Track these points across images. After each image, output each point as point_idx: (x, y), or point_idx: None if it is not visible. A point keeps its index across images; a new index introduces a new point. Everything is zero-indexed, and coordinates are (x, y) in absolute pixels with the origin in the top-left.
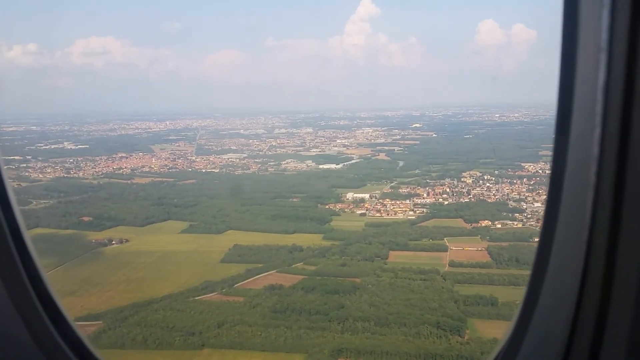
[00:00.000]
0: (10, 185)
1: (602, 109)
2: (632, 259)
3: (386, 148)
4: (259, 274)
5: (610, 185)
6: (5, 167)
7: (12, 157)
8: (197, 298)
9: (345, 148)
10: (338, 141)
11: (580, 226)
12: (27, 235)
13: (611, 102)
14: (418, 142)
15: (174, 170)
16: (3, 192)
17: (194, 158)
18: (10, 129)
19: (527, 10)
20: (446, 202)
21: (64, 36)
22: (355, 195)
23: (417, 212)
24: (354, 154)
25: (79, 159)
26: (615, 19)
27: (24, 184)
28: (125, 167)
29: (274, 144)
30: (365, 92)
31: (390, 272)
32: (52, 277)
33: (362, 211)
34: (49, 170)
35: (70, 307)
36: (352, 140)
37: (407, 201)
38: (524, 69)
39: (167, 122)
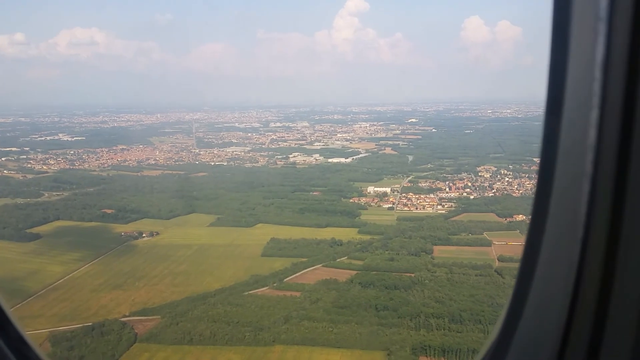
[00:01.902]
0: None
1: (600, 87)
2: (636, 258)
3: (390, 142)
4: (306, 268)
5: (610, 176)
6: (4, 158)
7: (8, 149)
8: (250, 292)
9: (348, 142)
10: (339, 135)
11: (574, 221)
12: None
13: (612, 79)
14: (420, 136)
15: (180, 162)
16: None
17: (197, 151)
18: None
19: (513, 7)
20: (472, 197)
21: (49, 27)
22: (376, 189)
23: (446, 206)
24: (359, 148)
25: (80, 151)
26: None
27: (29, 176)
28: (130, 160)
29: (274, 137)
30: (354, 87)
31: (443, 267)
32: (93, 271)
33: (389, 205)
34: (52, 162)
35: (120, 301)
36: (352, 134)
37: (432, 195)
38: (510, 66)
39: (159, 115)
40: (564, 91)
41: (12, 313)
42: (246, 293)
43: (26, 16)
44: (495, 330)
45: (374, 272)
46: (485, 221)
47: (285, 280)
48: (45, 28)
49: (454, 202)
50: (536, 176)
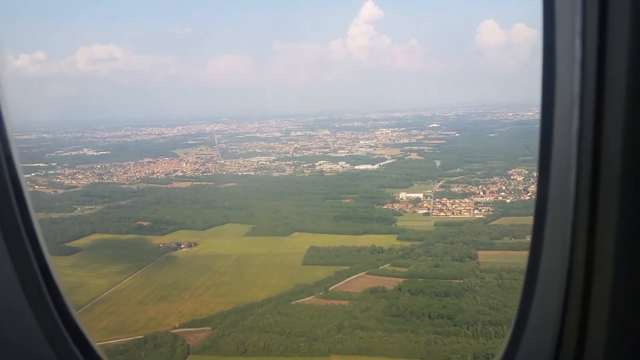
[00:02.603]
0: (29, 193)
1: (577, 121)
2: (608, 261)
3: (415, 148)
4: (350, 277)
5: (586, 192)
6: (34, 174)
7: (36, 164)
8: (298, 302)
9: (372, 149)
10: (361, 142)
11: (563, 233)
12: (41, 235)
13: (585, 111)
14: (444, 141)
15: (207, 174)
16: (22, 200)
17: (222, 161)
18: (23, 137)
19: (528, 10)
20: (508, 200)
21: (69, 44)
22: (408, 195)
23: (483, 210)
24: (384, 154)
25: (106, 164)
26: (586, 23)
27: (60, 191)
28: (157, 172)
29: (297, 146)
30: (371, 94)
31: (491, 273)
32: (136, 283)
33: (424, 211)
34: (80, 177)
35: (168, 313)
36: (374, 141)
37: (467, 200)
38: (527, 68)
39: (179, 128)
40: (553, 119)
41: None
42: (293, 302)
43: (47, 34)
44: (507, 335)
45: (421, 280)
46: (526, 224)
47: (330, 288)
48: (64, 46)
49: (490, 206)
50: (536, 185)
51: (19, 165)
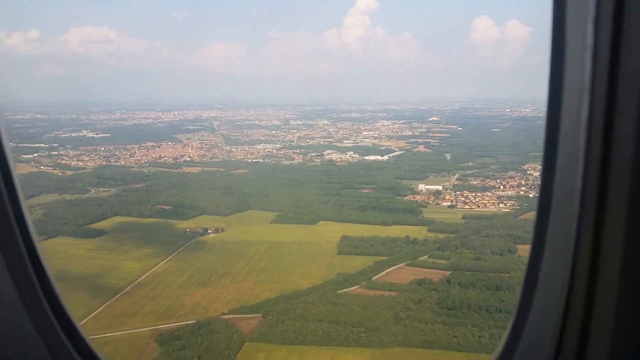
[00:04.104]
0: (18, 178)
1: (587, 113)
2: (614, 261)
3: (421, 140)
4: (390, 267)
5: (594, 188)
6: (36, 154)
7: (37, 145)
8: (344, 291)
9: (377, 140)
10: (364, 133)
11: (568, 229)
12: (32, 226)
13: (596, 104)
14: (449, 134)
15: (215, 160)
16: (11, 186)
17: (228, 148)
18: (17, 117)
19: (523, 7)
20: (531, 195)
21: (62, 23)
22: (427, 187)
23: (508, 204)
24: (390, 146)
25: (110, 147)
26: (600, 19)
27: (68, 172)
28: (164, 157)
29: (300, 135)
30: (366, 86)
31: None
32: (171, 267)
33: (448, 203)
34: (86, 159)
35: (212, 298)
36: (377, 132)
37: (488, 193)
38: (521, 65)
39: (175, 113)
40: (560, 115)
41: (74, 316)
42: (340, 292)
43: (42, 13)
44: (505, 333)
45: (468, 273)
46: None
47: (373, 278)
48: (59, 25)
49: (514, 201)
50: (539, 187)
51: (8, 149)
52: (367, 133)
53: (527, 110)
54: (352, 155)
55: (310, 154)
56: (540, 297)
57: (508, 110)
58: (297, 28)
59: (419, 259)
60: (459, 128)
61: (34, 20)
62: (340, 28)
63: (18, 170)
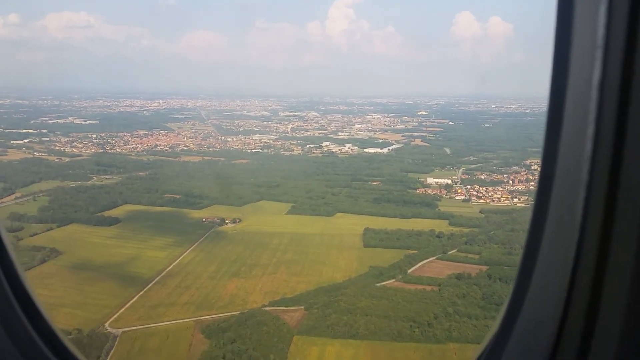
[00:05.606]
0: None
1: (596, 106)
2: (624, 260)
3: (416, 134)
4: (422, 261)
5: (603, 184)
6: (26, 140)
7: (25, 131)
8: (382, 284)
9: (371, 133)
10: (357, 126)
11: (570, 225)
12: (3, 229)
13: (606, 99)
14: (442, 129)
15: (212, 149)
16: None
17: (223, 138)
18: None
19: (505, 4)
20: None
21: (42, 7)
22: (435, 180)
23: (522, 199)
24: (387, 139)
25: (101, 134)
26: (613, 15)
27: (65, 159)
28: (160, 145)
29: (293, 126)
30: (350, 79)
31: None
32: (197, 257)
33: (462, 197)
34: (79, 145)
35: (248, 290)
36: (369, 125)
37: (499, 188)
38: (503, 62)
39: (160, 101)
40: (564, 110)
41: (43, 306)
42: (379, 285)
43: None
44: (493, 328)
45: (507, 268)
46: None
47: (408, 272)
48: (40, 9)
49: (527, 195)
50: (537, 185)
51: None
52: (359, 126)
53: (513, 106)
54: (351, 148)
55: (308, 145)
56: (536, 294)
57: (494, 106)
58: (282, 19)
59: (449, 252)
60: (450, 123)
61: (14, 4)
62: (325, 20)
63: (10, 156)
